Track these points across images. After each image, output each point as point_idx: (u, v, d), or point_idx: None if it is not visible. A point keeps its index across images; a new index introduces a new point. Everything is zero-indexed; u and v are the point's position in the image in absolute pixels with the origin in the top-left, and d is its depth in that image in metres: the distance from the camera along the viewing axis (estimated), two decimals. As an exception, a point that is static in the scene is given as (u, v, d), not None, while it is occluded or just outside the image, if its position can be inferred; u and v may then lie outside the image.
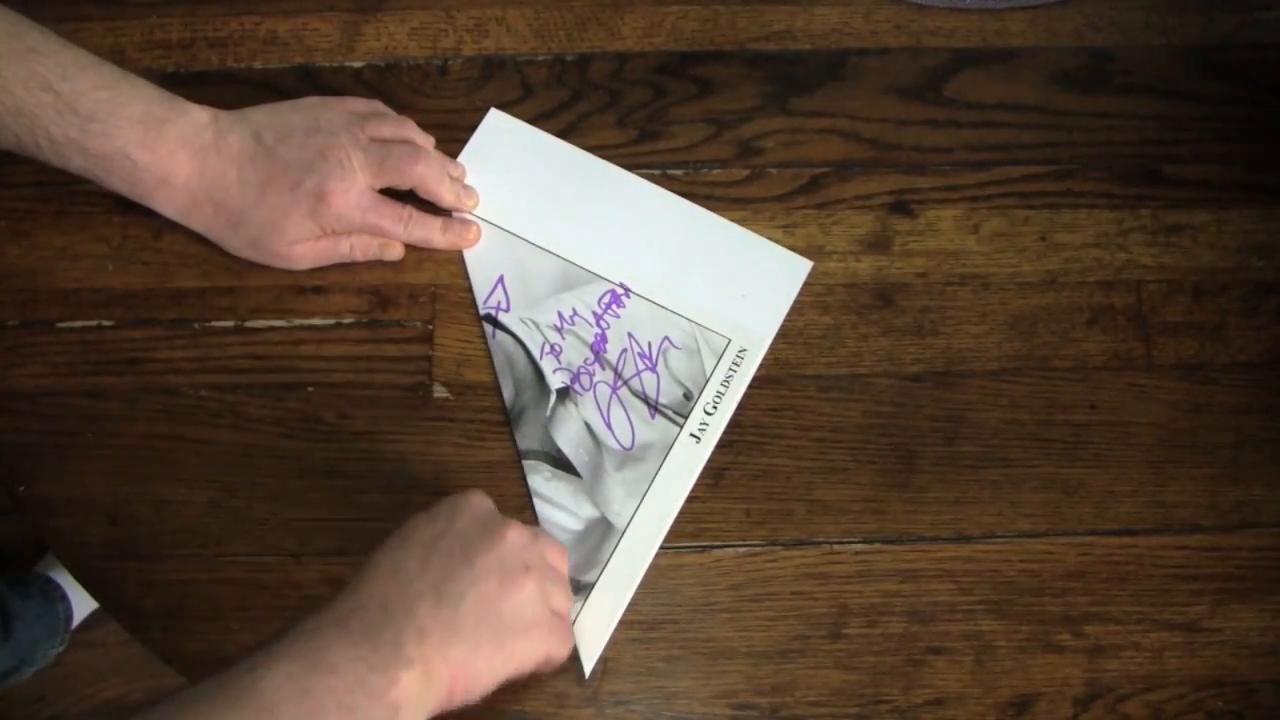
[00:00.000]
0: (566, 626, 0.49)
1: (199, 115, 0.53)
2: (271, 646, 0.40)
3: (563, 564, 0.50)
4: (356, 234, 0.55)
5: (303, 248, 0.55)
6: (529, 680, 0.49)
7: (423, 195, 0.57)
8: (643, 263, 0.58)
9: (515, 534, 0.46)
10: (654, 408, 0.55)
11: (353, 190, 0.54)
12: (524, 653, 0.46)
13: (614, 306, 0.57)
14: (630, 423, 0.54)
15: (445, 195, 0.57)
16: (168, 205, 0.54)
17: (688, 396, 0.55)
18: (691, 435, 0.54)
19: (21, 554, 1.18)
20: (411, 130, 0.57)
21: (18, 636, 1.04)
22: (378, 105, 0.58)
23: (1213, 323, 0.58)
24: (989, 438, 0.55)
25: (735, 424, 0.55)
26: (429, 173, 0.56)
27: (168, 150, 0.52)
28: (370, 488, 0.53)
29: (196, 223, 0.55)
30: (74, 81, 0.50)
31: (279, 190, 0.53)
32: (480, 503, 0.47)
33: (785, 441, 0.55)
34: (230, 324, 0.56)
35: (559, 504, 0.53)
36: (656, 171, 0.60)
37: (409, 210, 0.56)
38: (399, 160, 0.55)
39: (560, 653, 0.48)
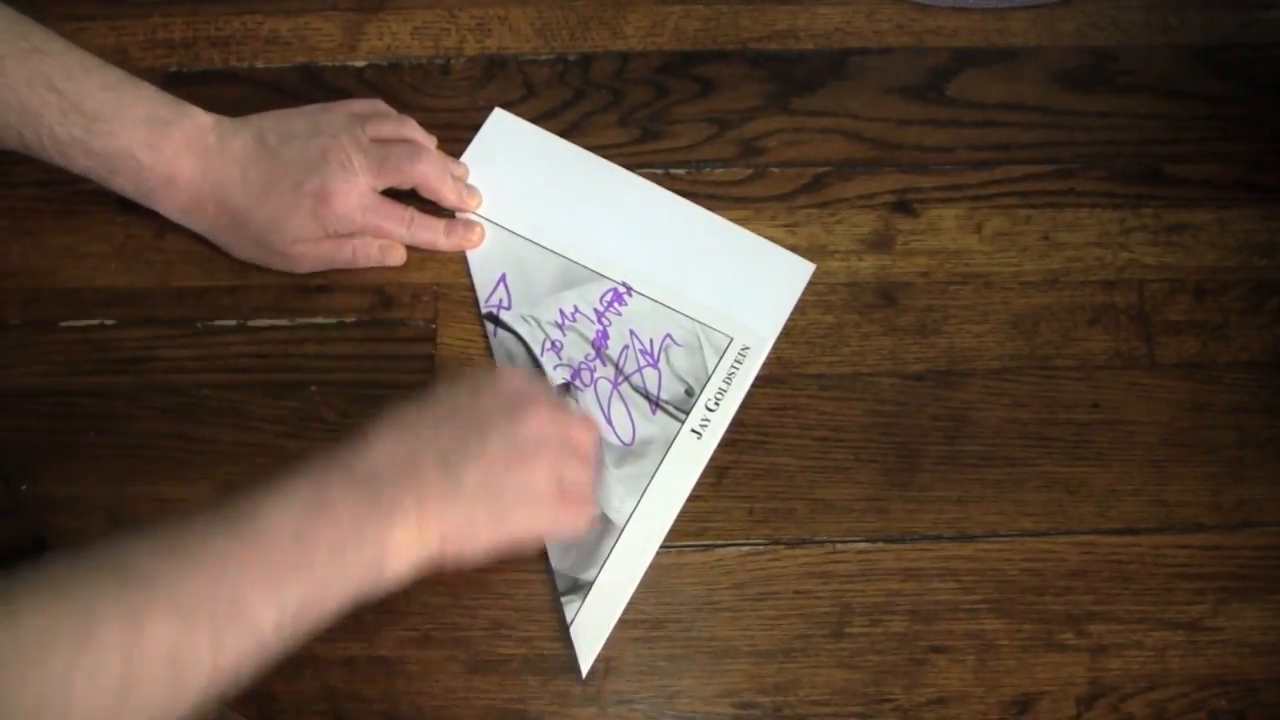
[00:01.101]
0: (580, 502, 0.49)
1: (202, 118, 0.53)
2: (280, 483, 0.41)
3: (588, 439, 0.50)
4: (359, 237, 0.56)
5: (304, 248, 0.55)
6: (522, 677, 0.49)
7: (425, 195, 0.57)
8: (645, 262, 0.58)
9: (535, 418, 0.47)
10: (655, 403, 0.55)
11: (354, 191, 0.54)
12: (522, 526, 0.47)
13: (615, 304, 0.57)
14: (631, 418, 0.54)
15: (447, 194, 0.57)
16: (170, 206, 0.54)
17: (689, 393, 0.55)
18: (693, 431, 0.54)
19: (23, 553, 1.18)
20: (413, 130, 0.57)
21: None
22: (379, 105, 0.58)
23: (1215, 322, 0.58)
24: (991, 437, 0.55)
25: (738, 423, 0.55)
26: (430, 171, 0.56)
27: (172, 150, 0.52)
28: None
29: (198, 223, 0.55)
30: (78, 81, 0.50)
31: (281, 191, 0.53)
32: (510, 382, 0.48)
33: (788, 440, 0.55)
34: (233, 323, 0.56)
35: (560, 502, 0.53)
36: (659, 171, 0.60)
37: (411, 211, 0.56)
38: (400, 160, 0.55)
39: (570, 527, 0.49)
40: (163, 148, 0.52)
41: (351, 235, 0.55)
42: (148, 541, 0.39)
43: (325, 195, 0.53)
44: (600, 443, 0.52)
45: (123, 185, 0.53)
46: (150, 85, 0.53)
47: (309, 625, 0.41)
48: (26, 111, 0.49)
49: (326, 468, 0.43)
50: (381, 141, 0.56)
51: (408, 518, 0.43)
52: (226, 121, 0.54)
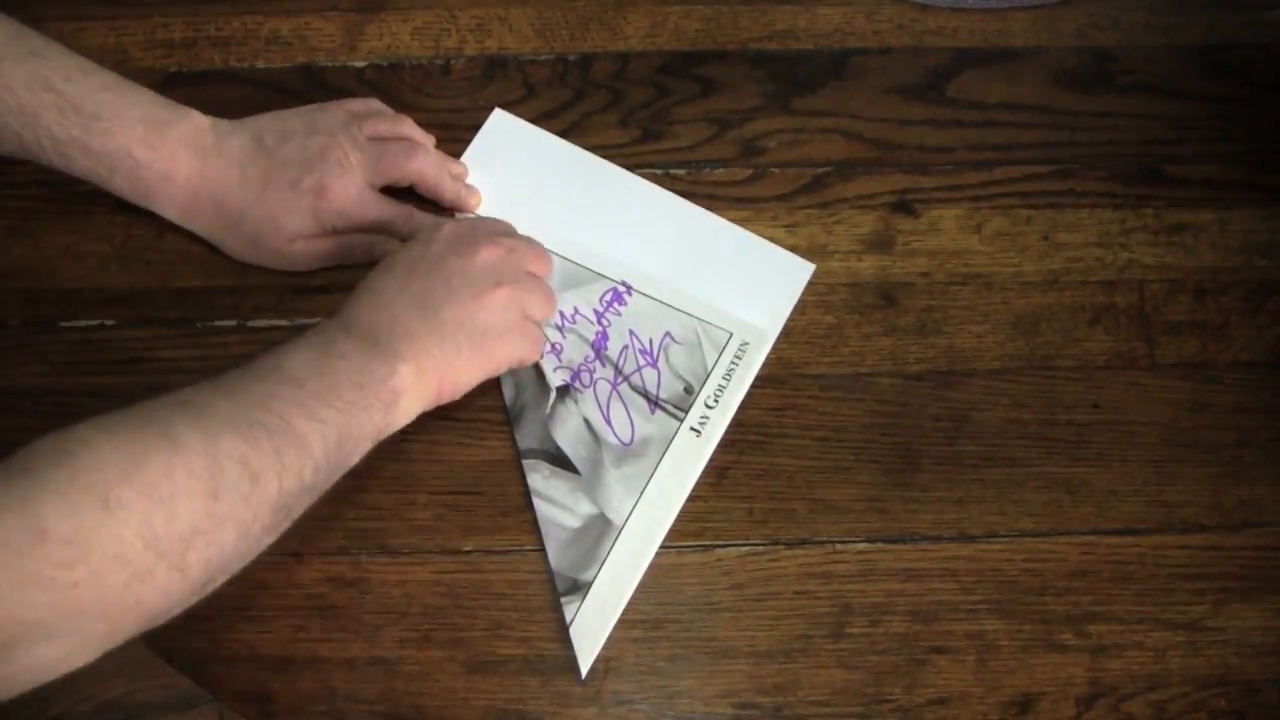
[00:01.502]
0: (537, 331, 0.54)
1: (200, 119, 0.54)
2: (289, 345, 0.46)
3: (542, 269, 0.55)
4: (356, 234, 0.56)
5: (302, 246, 0.55)
6: (522, 678, 0.49)
7: (422, 192, 0.57)
8: (645, 262, 0.58)
9: (486, 252, 0.51)
10: (654, 403, 0.55)
11: (352, 188, 0.54)
12: (500, 354, 0.52)
13: (615, 304, 0.57)
14: (630, 418, 0.54)
15: (445, 192, 0.57)
16: (169, 204, 0.54)
17: (688, 390, 0.55)
18: (692, 429, 0.54)
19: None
20: (409, 128, 0.58)
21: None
22: (374, 104, 0.58)
23: (1215, 322, 0.58)
24: (991, 437, 0.55)
25: (738, 423, 0.55)
26: (427, 169, 0.56)
27: (170, 149, 0.52)
28: (372, 487, 0.53)
29: (197, 223, 0.55)
30: (77, 83, 0.51)
31: (279, 188, 0.53)
32: (457, 226, 0.53)
33: (788, 441, 0.55)
34: (233, 323, 0.56)
35: (557, 502, 0.53)
36: (659, 171, 0.60)
37: (409, 209, 0.56)
38: (396, 156, 0.55)
39: (530, 356, 0.54)
40: (160, 146, 0.52)
41: (349, 233, 0.55)
42: (195, 388, 0.43)
43: (323, 192, 0.53)
44: (550, 264, 0.56)
45: (121, 185, 0.53)
46: (147, 89, 0.53)
47: (346, 456, 0.45)
48: (25, 112, 0.50)
49: (324, 330, 0.47)
50: (379, 139, 0.56)
51: (407, 362, 0.47)
52: (224, 122, 0.54)
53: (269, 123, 0.55)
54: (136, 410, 0.40)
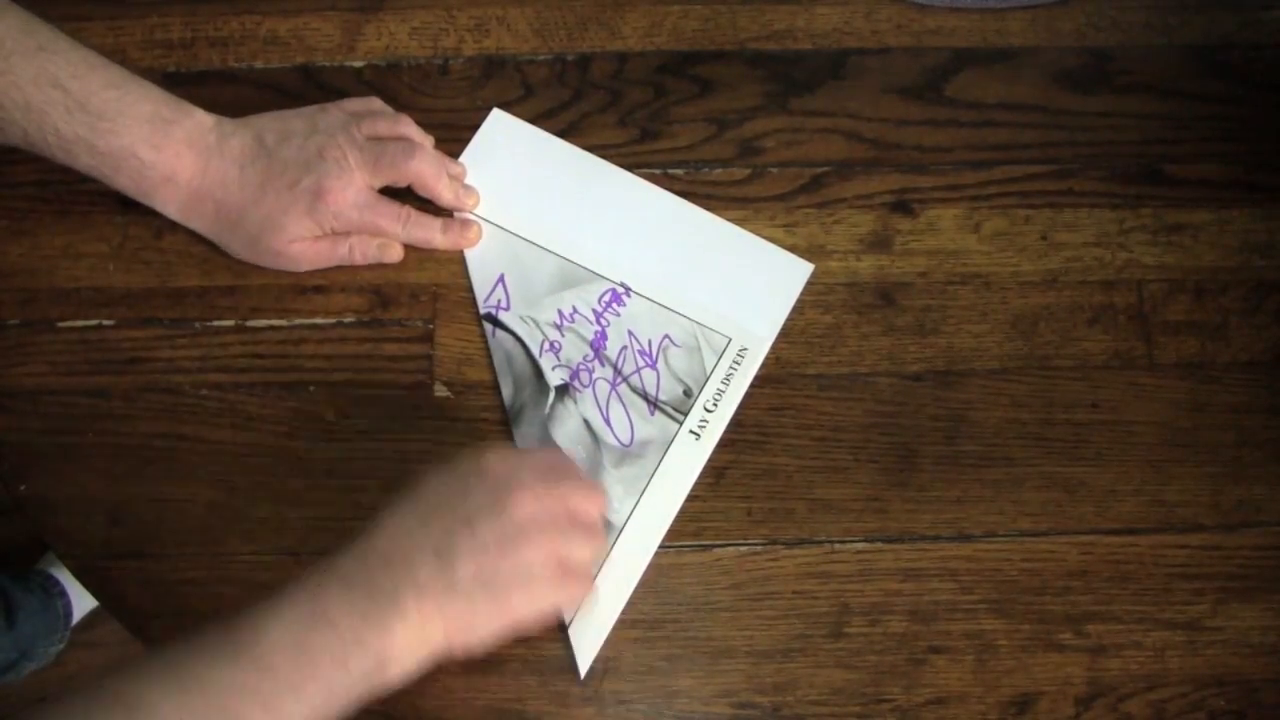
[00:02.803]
0: (578, 578, 0.48)
1: (203, 118, 0.54)
2: (278, 600, 0.42)
3: (591, 507, 0.49)
4: (355, 234, 0.56)
5: (301, 246, 0.55)
6: (521, 677, 0.49)
7: (420, 192, 0.57)
8: (644, 262, 0.58)
9: (523, 501, 0.46)
10: (653, 404, 0.55)
11: (350, 188, 0.54)
12: (524, 609, 0.46)
13: (614, 305, 0.57)
14: (629, 419, 0.54)
15: (443, 192, 0.57)
16: (170, 204, 0.54)
17: (688, 393, 0.55)
18: (691, 432, 0.54)
19: (23, 551, 1.18)
20: (408, 127, 0.58)
21: (20, 628, 1.05)
22: (375, 103, 0.58)
23: (1214, 322, 0.58)
24: (990, 437, 0.55)
25: (736, 423, 0.55)
26: (425, 168, 0.56)
27: (174, 150, 0.52)
28: (371, 487, 0.53)
29: (198, 223, 0.55)
30: (84, 80, 0.51)
31: (278, 189, 0.53)
32: (496, 465, 0.47)
33: (786, 440, 0.55)
34: (231, 323, 0.56)
35: (559, 503, 0.53)
36: (657, 171, 0.60)
37: (408, 210, 0.56)
38: (395, 156, 0.55)
39: (567, 605, 0.50)
40: (164, 147, 0.52)
41: (348, 233, 0.55)
42: (156, 676, 0.39)
43: (321, 192, 0.53)
44: (605, 504, 0.52)
45: (125, 184, 0.53)
46: (153, 84, 0.53)
47: None
48: (32, 109, 0.50)
49: (323, 581, 0.43)
50: (377, 139, 0.56)
51: (408, 618, 0.43)
52: (226, 121, 0.54)
53: (270, 122, 0.55)
54: (91, 708, 0.38)
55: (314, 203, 0.53)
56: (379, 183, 0.56)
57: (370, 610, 0.42)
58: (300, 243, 0.55)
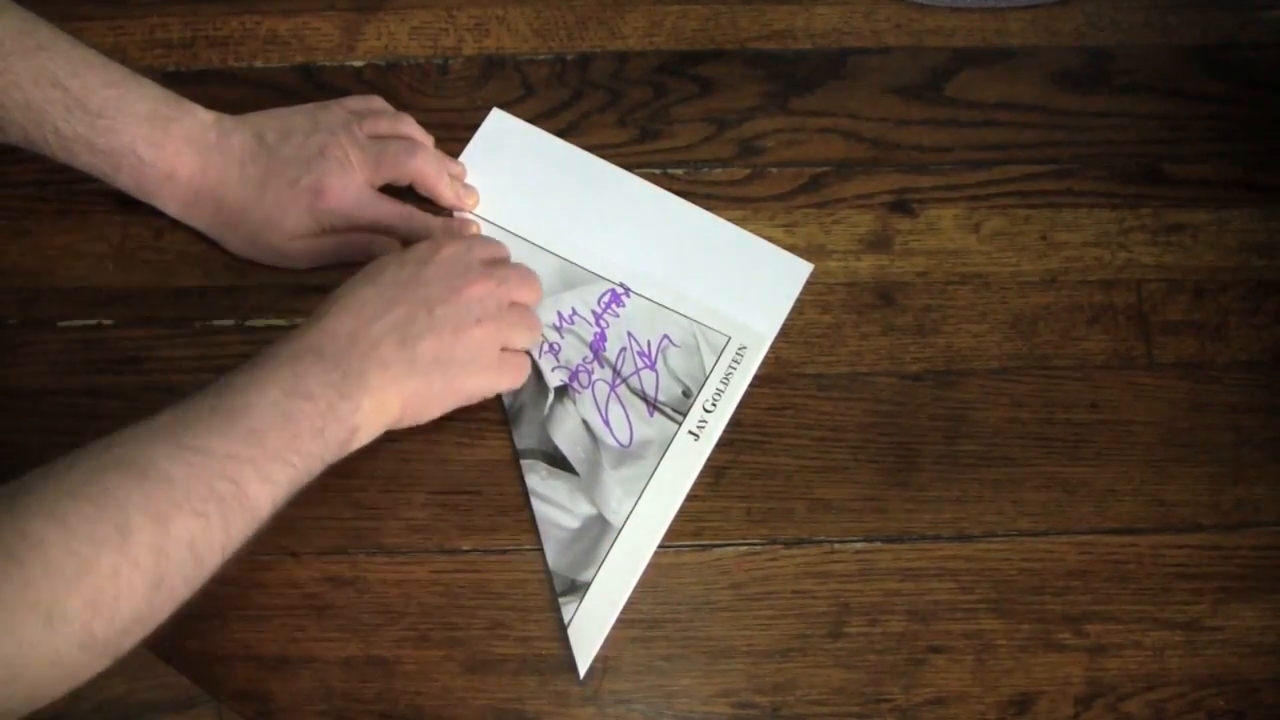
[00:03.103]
0: (519, 362, 0.53)
1: (203, 115, 0.54)
2: (256, 372, 0.45)
3: (531, 297, 0.54)
4: (355, 233, 0.56)
5: (301, 244, 0.55)
6: (520, 677, 0.49)
7: (421, 191, 0.57)
8: (643, 263, 0.58)
9: (475, 286, 0.51)
10: (652, 405, 0.55)
11: (351, 187, 0.54)
12: (471, 388, 0.51)
13: (614, 306, 0.57)
14: (628, 420, 0.54)
15: (443, 191, 0.57)
16: (170, 202, 0.54)
17: (686, 394, 0.55)
18: (690, 433, 0.54)
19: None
20: (410, 126, 0.58)
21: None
22: (376, 102, 0.58)
23: (1213, 322, 0.58)
24: (990, 437, 0.55)
25: (736, 422, 0.55)
26: (426, 167, 0.56)
27: (174, 148, 0.53)
28: (370, 487, 0.53)
29: (197, 219, 0.55)
30: (83, 78, 0.51)
31: (278, 187, 0.53)
32: (451, 252, 0.52)
33: (786, 440, 0.55)
34: (231, 323, 0.56)
35: (556, 502, 0.53)
36: (657, 171, 0.60)
37: (408, 208, 0.56)
38: (396, 155, 0.55)
39: (505, 386, 0.53)
40: (164, 145, 0.52)
41: (348, 231, 0.55)
42: (160, 443, 0.41)
43: (321, 191, 0.53)
44: (540, 293, 0.55)
45: (125, 182, 0.53)
46: (152, 82, 0.53)
47: (294, 493, 0.45)
48: (31, 108, 0.50)
49: (296, 353, 0.46)
50: (379, 138, 0.56)
51: (373, 393, 0.47)
52: (227, 119, 0.54)
53: (271, 120, 0.55)
54: (92, 474, 0.39)
55: (314, 201, 0.53)
56: (380, 181, 0.56)
57: (341, 384, 0.46)
58: (300, 241, 0.55)
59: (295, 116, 0.55)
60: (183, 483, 0.40)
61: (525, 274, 0.54)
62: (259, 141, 0.54)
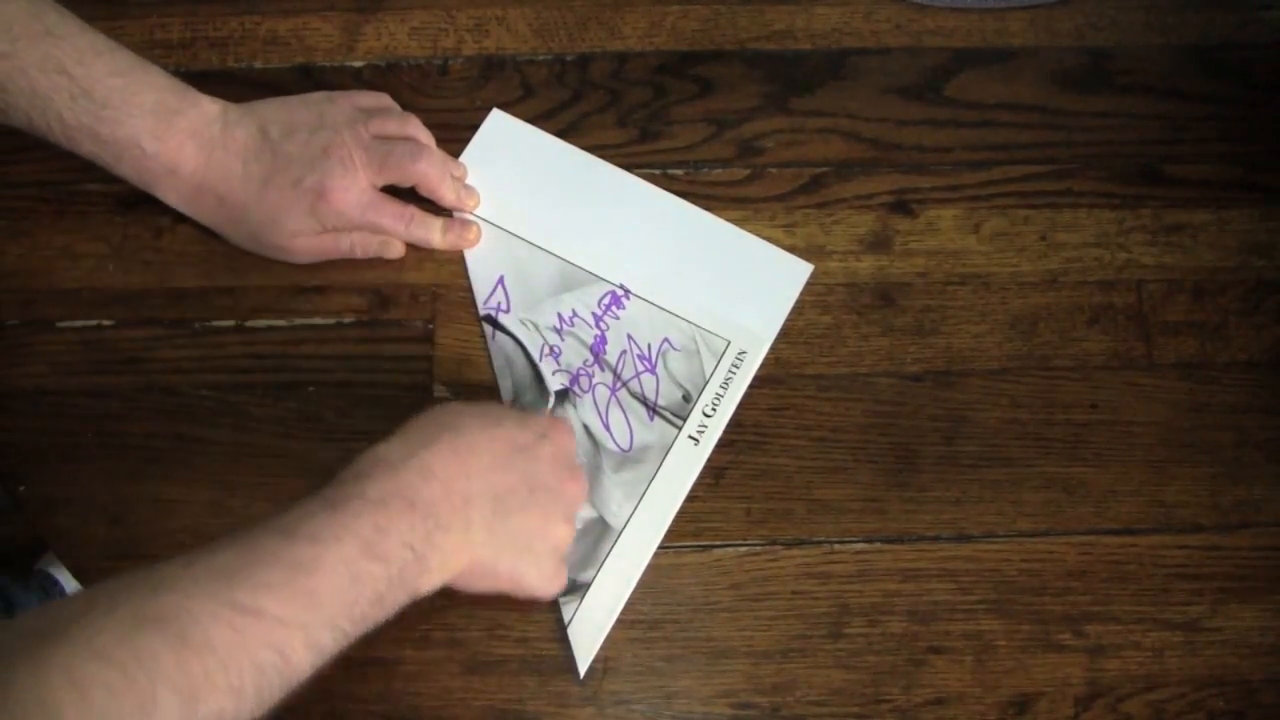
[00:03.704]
0: (562, 574, 0.50)
1: (209, 107, 0.54)
2: (338, 515, 0.41)
3: (580, 508, 0.52)
4: (357, 231, 0.56)
5: (303, 242, 0.55)
6: (520, 678, 0.49)
7: (424, 194, 0.57)
8: (643, 264, 0.58)
9: (577, 485, 0.50)
10: (653, 410, 0.55)
11: (354, 188, 0.54)
12: (527, 581, 0.48)
13: (614, 308, 0.57)
14: (629, 425, 0.54)
15: (446, 194, 0.57)
16: (172, 194, 0.54)
17: (686, 398, 0.55)
18: (690, 438, 0.54)
19: (23, 551, 1.18)
20: (416, 128, 0.57)
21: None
22: (384, 99, 0.58)
23: (1213, 322, 0.58)
24: (989, 437, 0.55)
25: (736, 423, 0.55)
26: (431, 171, 0.56)
27: (176, 141, 0.52)
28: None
29: (199, 213, 0.55)
30: (89, 66, 0.50)
31: (280, 186, 0.53)
32: (568, 441, 0.50)
33: (785, 441, 0.55)
34: (231, 323, 0.56)
35: (558, 504, 0.53)
36: (657, 171, 0.60)
37: (410, 209, 0.56)
38: (401, 158, 0.55)
39: (551, 594, 0.49)
40: (167, 138, 0.52)
41: (350, 230, 0.55)
42: (212, 590, 0.38)
43: (324, 192, 0.53)
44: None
45: (127, 173, 0.53)
46: (160, 70, 0.53)
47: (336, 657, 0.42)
48: (37, 95, 0.49)
49: (386, 499, 0.43)
50: (384, 138, 0.56)
51: (446, 555, 0.44)
52: (233, 110, 0.54)
53: (276, 112, 0.55)
54: (127, 632, 0.36)
55: (316, 202, 0.53)
56: (383, 182, 0.56)
57: (421, 544, 0.43)
58: (302, 239, 0.55)
59: (300, 109, 0.55)
60: (223, 651, 0.37)
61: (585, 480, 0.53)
62: (263, 137, 0.54)
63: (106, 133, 0.51)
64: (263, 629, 0.38)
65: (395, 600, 0.43)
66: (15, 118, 0.51)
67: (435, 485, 0.44)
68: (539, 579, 0.48)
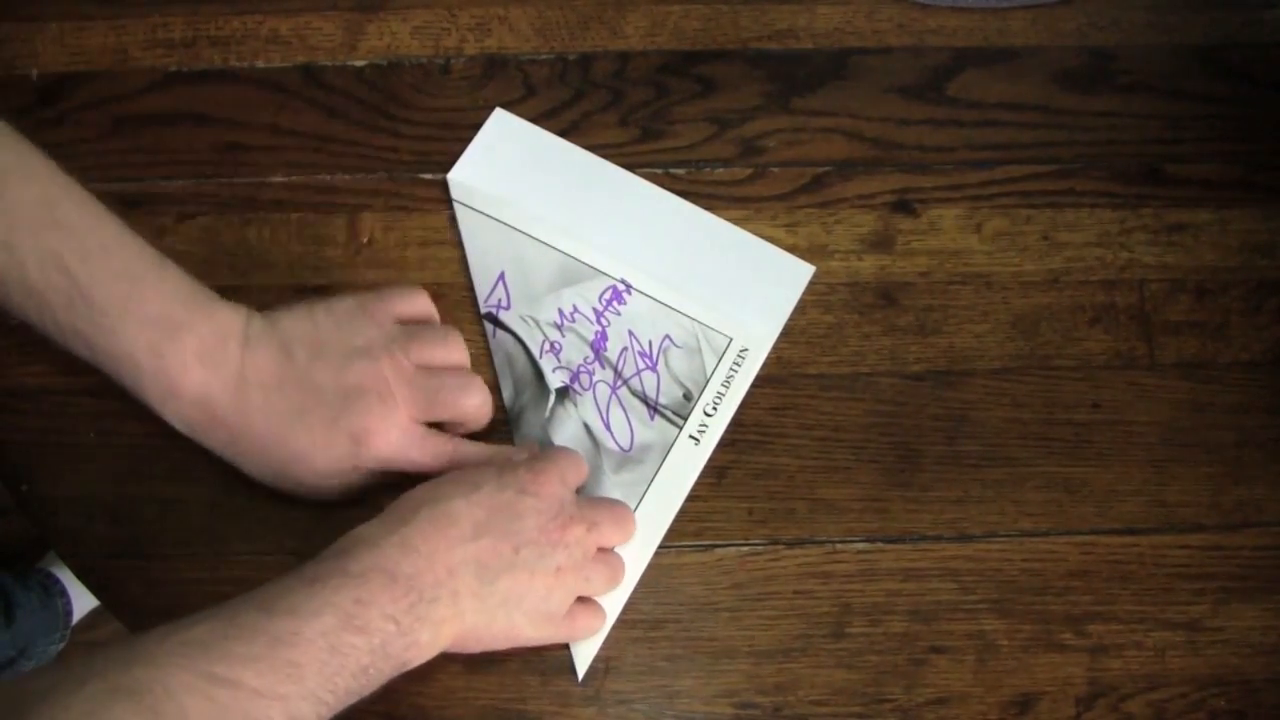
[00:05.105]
0: (592, 612, 0.50)
1: (225, 319, 0.47)
2: (317, 588, 0.41)
3: (623, 538, 0.51)
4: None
5: (337, 482, 0.49)
6: (521, 677, 0.49)
7: (467, 430, 0.52)
8: (644, 260, 0.58)
9: (568, 533, 0.47)
10: (653, 408, 0.55)
11: (395, 429, 0.48)
12: (529, 635, 0.48)
13: (615, 303, 0.57)
14: (629, 424, 0.54)
15: (484, 422, 0.52)
16: (178, 421, 0.48)
17: (687, 397, 0.55)
18: (690, 437, 0.54)
19: (24, 550, 1.18)
20: (460, 351, 0.52)
21: (19, 625, 1.05)
22: (420, 302, 0.53)
23: (1215, 322, 0.58)
24: (991, 437, 0.55)
25: (737, 423, 0.55)
26: (484, 409, 0.51)
27: (179, 361, 0.46)
28: (371, 486, 0.53)
29: (209, 444, 0.49)
30: (94, 265, 0.45)
31: (310, 426, 0.47)
32: (554, 490, 0.48)
33: (787, 440, 0.55)
34: (232, 323, 0.56)
35: (560, 504, 0.53)
36: (659, 171, 0.60)
37: (456, 446, 0.50)
38: (452, 394, 0.50)
39: (575, 638, 0.50)
40: (168, 355, 0.46)
41: (386, 470, 0.50)
42: (188, 663, 0.37)
43: (364, 437, 0.47)
44: (631, 528, 0.52)
45: (127, 388, 0.47)
46: (179, 274, 0.47)
47: None
48: (33, 293, 0.45)
49: (366, 574, 0.42)
50: (428, 369, 0.50)
51: (433, 627, 0.44)
52: (255, 322, 0.48)
53: (301, 326, 0.48)
54: (99, 704, 0.35)
55: (354, 447, 0.47)
56: (427, 420, 0.50)
57: (403, 618, 0.42)
58: (338, 479, 0.49)
59: (328, 324, 0.49)
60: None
61: (620, 515, 0.51)
62: (287, 360, 0.47)
63: (101, 343, 0.45)
64: (240, 700, 0.37)
65: (381, 672, 0.42)
66: (15, 313, 0.46)
67: (417, 559, 0.43)
68: (542, 631, 0.48)
